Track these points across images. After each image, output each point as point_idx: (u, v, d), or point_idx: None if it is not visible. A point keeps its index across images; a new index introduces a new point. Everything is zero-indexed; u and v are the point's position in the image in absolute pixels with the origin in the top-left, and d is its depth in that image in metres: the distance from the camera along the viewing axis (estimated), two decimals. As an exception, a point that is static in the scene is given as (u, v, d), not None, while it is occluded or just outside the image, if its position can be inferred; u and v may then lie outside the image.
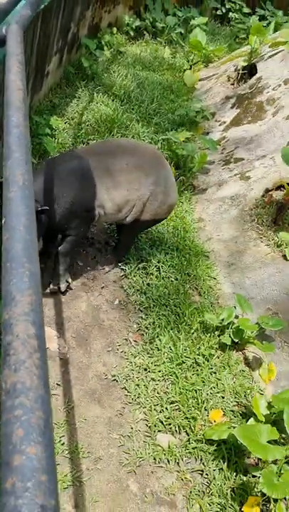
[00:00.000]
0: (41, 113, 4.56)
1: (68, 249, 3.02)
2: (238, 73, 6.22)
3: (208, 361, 2.97)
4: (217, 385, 2.87)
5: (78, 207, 2.85)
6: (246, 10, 10.94)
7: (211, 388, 2.84)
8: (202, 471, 2.46)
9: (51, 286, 3.06)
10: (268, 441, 2.26)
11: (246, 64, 6.16)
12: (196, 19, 8.48)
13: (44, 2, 3.59)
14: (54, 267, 3.05)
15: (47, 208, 2.57)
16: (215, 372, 2.94)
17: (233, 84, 6.35)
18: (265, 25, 7.70)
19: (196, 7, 9.87)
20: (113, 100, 5.44)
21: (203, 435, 2.55)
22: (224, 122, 5.53)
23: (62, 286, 3.09)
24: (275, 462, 2.38)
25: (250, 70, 6.24)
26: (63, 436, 2.38)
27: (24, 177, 0.86)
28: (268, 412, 2.51)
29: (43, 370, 0.55)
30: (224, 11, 10.80)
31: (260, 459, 2.42)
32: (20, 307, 0.61)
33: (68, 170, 2.84)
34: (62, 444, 2.35)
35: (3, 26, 1.65)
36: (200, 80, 6.94)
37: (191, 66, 7.04)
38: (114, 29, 7.13)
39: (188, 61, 7.20)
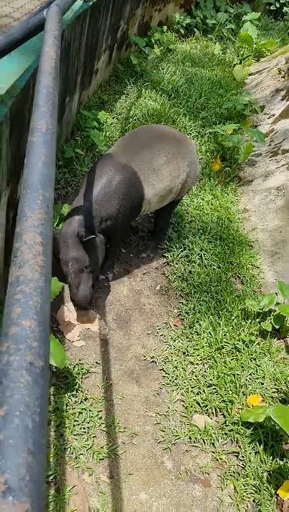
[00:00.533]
0: (90, 108, 4.70)
1: (117, 245, 3.13)
2: (289, 65, 6.09)
3: (248, 347, 2.95)
4: (256, 371, 2.85)
5: (130, 211, 2.94)
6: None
7: (250, 374, 2.82)
8: (238, 453, 2.46)
9: (100, 276, 3.15)
10: (305, 424, 2.22)
11: (298, 56, 6.03)
12: (247, 15, 8.41)
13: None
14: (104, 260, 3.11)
15: (94, 236, 2.65)
16: (255, 359, 2.91)
17: (283, 77, 6.23)
18: None
19: (248, 3, 9.78)
20: (161, 95, 5.51)
21: (239, 418, 2.54)
22: (273, 115, 5.45)
23: (110, 277, 3.20)
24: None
25: (302, 63, 6.11)
26: (101, 411, 2.46)
27: (48, 125, 0.93)
28: (308, 398, 2.46)
29: (45, 269, 0.60)
30: (278, 6, 10.61)
31: (298, 444, 2.38)
32: (30, 221, 0.67)
33: (117, 182, 2.83)
34: (100, 418, 2.42)
35: (44, 10, 1.75)
36: (250, 75, 6.87)
37: (241, 61, 6.98)
38: (165, 27, 7.21)
39: (238, 56, 7.14)
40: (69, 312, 2.91)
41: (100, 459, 2.27)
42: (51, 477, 2.12)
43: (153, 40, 6.75)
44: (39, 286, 0.58)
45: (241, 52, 7.15)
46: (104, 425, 2.40)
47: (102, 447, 2.31)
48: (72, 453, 2.24)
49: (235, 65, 6.91)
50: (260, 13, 8.66)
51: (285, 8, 10.58)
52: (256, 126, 5.38)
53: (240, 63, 6.88)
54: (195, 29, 7.95)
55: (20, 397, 0.44)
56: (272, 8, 10.51)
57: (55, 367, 2.38)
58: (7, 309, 0.55)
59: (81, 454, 2.25)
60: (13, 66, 2.19)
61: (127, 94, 5.49)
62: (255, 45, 7.04)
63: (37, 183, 0.76)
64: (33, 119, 0.96)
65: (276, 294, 3.14)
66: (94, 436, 2.34)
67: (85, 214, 2.73)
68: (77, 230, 2.66)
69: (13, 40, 1.74)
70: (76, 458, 2.23)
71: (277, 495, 2.27)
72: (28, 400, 0.45)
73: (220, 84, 6.28)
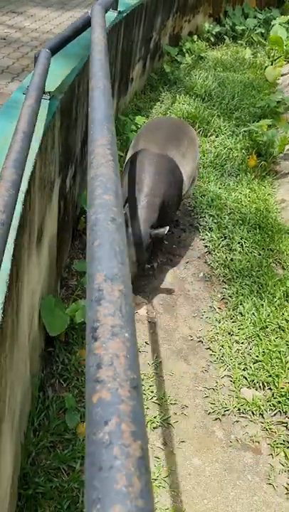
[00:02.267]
0: (127, 114, 4.93)
1: (164, 234, 3.23)
2: None
3: (292, 326, 3.02)
4: (302, 348, 2.91)
5: (178, 198, 3.14)
6: None
7: (296, 351, 2.89)
8: (287, 423, 2.52)
9: (146, 265, 3.31)
10: None
11: None
12: (276, 19, 8.53)
13: (126, 6, 3.97)
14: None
15: (157, 232, 2.84)
16: (300, 337, 2.98)
17: (315, 74, 6.29)
18: None
19: (277, 8, 9.90)
20: (194, 99, 5.70)
21: (287, 391, 2.61)
22: (307, 110, 5.52)
23: (155, 265, 3.36)
24: None
25: None
26: (152, 385, 2.59)
27: (104, 84, 1.10)
28: None
29: (115, 168, 0.77)
30: (307, 8, 10.65)
31: None
32: (100, 141, 0.84)
33: (164, 172, 3.00)
34: (152, 392, 2.55)
35: (89, 11, 1.97)
36: (282, 75, 6.97)
37: (272, 62, 7.09)
38: (195, 37, 7.44)
39: (269, 58, 7.26)
40: (117, 298, 3.08)
41: (154, 428, 2.40)
42: (109, 442, 2.27)
43: (184, 49, 6.98)
44: (112, 178, 0.74)
45: (272, 54, 7.27)
46: (156, 398, 2.53)
47: (155, 417, 2.43)
48: (128, 422, 2.38)
49: (266, 67, 7.03)
50: (289, 16, 8.74)
51: (314, 11, 10.61)
52: (290, 122, 5.46)
53: (272, 64, 6.99)
54: (225, 36, 8.14)
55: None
56: (301, 11, 10.58)
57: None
58: (90, 188, 0.71)
59: (136, 423, 2.39)
60: (61, 68, 2.43)
61: (162, 100, 5.71)
62: (285, 47, 7.14)
63: (102, 118, 0.93)
64: (92, 81, 1.14)
65: (317, 273, 3.21)
66: (147, 408, 2.47)
67: (147, 210, 2.87)
68: (148, 231, 2.82)
69: (64, 38, 1.96)
70: (131, 426, 2.37)
71: None
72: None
73: (252, 86, 6.41)
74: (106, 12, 2.02)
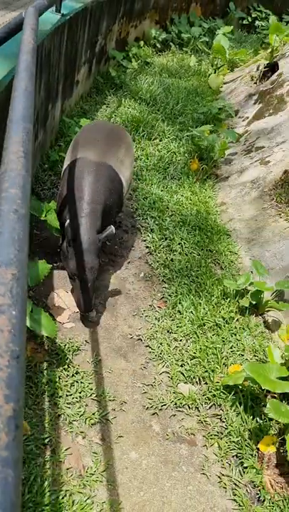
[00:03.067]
0: (72, 117, 4.95)
1: (113, 234, 3.20)
2: (261, 71, 6.44)
3: (228, 323, 3.15)
4: (237, 344, 3.04)
5: (119, 203, 3.24)
6: (273, 18, 11.15)
7: (231, 347, 3.02)
8: (220, 415, 2.63)
9: None
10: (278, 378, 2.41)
11: (268, 62, 6.38)
12: (221, 28, 8.80)
13: (69, 9, 4.00)
14: None
15: (106, 235, 2.93)
16: (235, 334, 3.11)
17: (255, 83, 6.57)
18: (285, 24, 7.90)
19: (221, 18, 10.23)
20: (140, 104, 5.80)
21: (221, 385, 2.72)
22: (247, 118, 5.75)
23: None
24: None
25: (273, 69, 6.45)
26: (91, 383, 2.63)
27: (26, 86, 1.14)
28: (282, 361, 2.65)
29: (25, 164, 0.81)
30: (250, 20, 11.09)
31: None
32: (15, 138, 0.88)
33: (104, 179, 3.08)
34: (91, 389, 2.59)
35: (23, 12, 1.99)
36: (225, 83, 7.21)
37: (215, 70, 7.32)
38: (142, 42, 7.55)
39: (212, 66, 7.49)
40: (59, 298, 3.10)
41: (92, 424, 2.43)
42: (47, 440, 2.29)
43: (131, 54, 7.08)
44: (20, 174, 0.78)
45: (215, 63, 7.51)
46: (95, 395, 2.57)
47: (93, 414, 2.47)
48: (66, 419, 2.41)
49: (210, 74, 7.25)
50: (232, 26, 9.05)
51: (257, 22, 11.06)
52: (232, 128, 5.67)
53: (215, 72, 7.22)
54: (171, 43, 8.32)
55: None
56: (244, 22, 10.99)
57: (47, 337, 2.56)
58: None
59: (74, 420, 2.42)
60: (-2, 67, 2.43)
61: (108, 104, 5.77)
62: (228, 56, 7.39)
63: (20, 117, 0.97)
64: (15, 81, 1.18)
65: (251, 272, 3.36)
66: (86, 405, 2.51)
67: (91, 218, 2.90)
68: (96, 237, 2.86)
69: (-3, 38, 1.97)
70: (70, 423, 2.40)
71: (258, 449, 2.45)
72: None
73: (196, 93, 6.59)
74: (41, 14, 2.05)
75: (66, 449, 2.28)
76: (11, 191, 0.73)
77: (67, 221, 2.90)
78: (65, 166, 3.31)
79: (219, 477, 2.38)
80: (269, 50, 7.13)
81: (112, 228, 2.95)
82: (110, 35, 6.29)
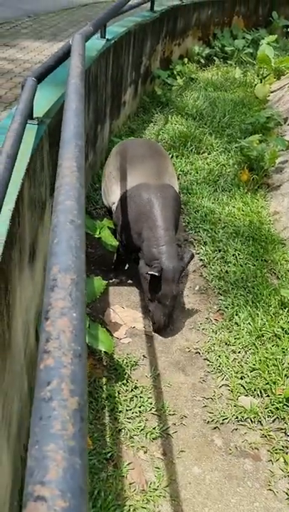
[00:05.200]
0: (120, 136, 5.07)
1: (193, 258, 3.18)
2: (308, 77, 6.32)
3: (287, 334, 3.06)
4: (298, 355, 2.94)
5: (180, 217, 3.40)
6: None
7: (292, 358, 2.92)
8: (285, 429, 2.55)
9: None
10: None
11: (315, 67, 6.26)
12: (264, 38, 8.75)
13: (114, 34, 4.14)
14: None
15: (188, 261, 2.99)
16: (295, 344, 3.01)
17: (304, 89, 6.45)
18: None
19: (264, 28, 10.17)
20: (186, 119, 5.85)
21: (284, 397, 2.63)
22: (297, 124, 5.64)
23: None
24: None
25: None
26: (150, 397, 2.63)
27: (77, 105, 1.20)
28: None
29: (79, 177, 0.85)
30: (294, 27, 10.92)
31: None
32: (67, 155, 0.92)
33: (173, 204, 3.14)
34: (150, 404, 2.59)
35: (70, 39, 2.09)
36: (272, 92, 7.13)
37: (261, 80, 7.27)
38: (186, 59, 7.65)
39: (258, 76, 7.44)
40: (115, 314, 3.15)
41: (153, 439, 2.43)
42: (108, 454, 2.30)
43: (175, 72, 7.18)
44: (75, 187, 0.82)
45: (261, 73, 7.45)
46: (154, 409, 2.57)
47: (154, 428, 2.47)
48: (127, 434, 2.42)
49: (256, 84, 7.20)
50: (276, 35, 8.98)
51: (302, 29, 10.89)
52: (282, 136, 5.58)
53: (261, 82, 7.16)
54: (215, 58, 8.36)
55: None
56: None
57: (105, 352, 2.59)
58: (55, 196, 0.79)
59: (135, 435, 2.42)
60: (49, 94, 2.55)
61: (155, 122, 5.87)
62: (273, 64, 7.32)
63: (71, 136, 1.02)
64: (66, 102, 1.24)
65: (310, 280, 3.26)
66: (146, 420, 2.51)
67: (171, 245, 2.95)
68: (179, 264, 2.92)
69: (48, 67, 2.08)
70: (131, 438, 2.40)
71: None
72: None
73: (243, 104, 6.57)
74: (87, 40, 2.15)
75: (128, 464, 2.29)
76: (66, 203, 0.77)
77: (145, 247, 2.99)
78: (117, 192, 3.26)
79: (287, 493, 2.29)
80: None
81: (191, 253, 3.02)
82: (154, 55, 6.43)
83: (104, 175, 3.57)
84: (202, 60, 8.10)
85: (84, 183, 0.89)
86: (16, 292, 1.70)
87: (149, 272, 2.84)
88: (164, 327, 3.05)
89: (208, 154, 5.22)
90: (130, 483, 2.22)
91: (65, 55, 2.08)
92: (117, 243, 3.24)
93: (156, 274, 2.82)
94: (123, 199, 3.18)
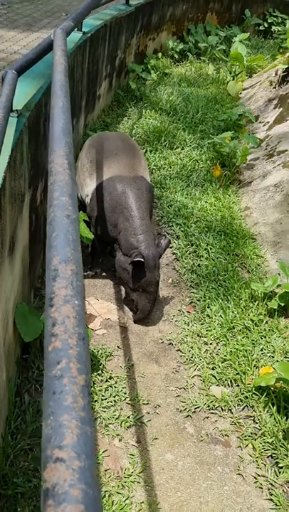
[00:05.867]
0: (95, 130, 5.09)
1: (169, 244, 3.29)
2: (279, 76, 6.47)
3: (257, 326, 3.18)
4: (267, 346, 3.06)
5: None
6: (289, 22, 11.12)
7: (261, 349, 3.04)
8: (254, 417, 2.66)
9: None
10: (310, 378, 2.43)
11: (286, 66, 6.41)
12: (237, 36, 8.88)
13: (90, 27, 4.14)
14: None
15: (164, 247, 3.07)
16: (264, 336, 3.13)
17: (275, 87, 6.60)
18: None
19: (237, 25, 10.30)
20: (160, 114, 5.91)
21: (253, 386, 2.75)
22: (268, 122, 5.79)
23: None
24: None
25: (291, 73, 6.48)
26: (125, 387, 2.70)
27: (63, 103, 1.24)
28: (314, 362, 2.67)
29: (70, 171, 0.90)
30: (266, 25, 11.13)
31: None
32: (58, 152, 0.96)
33: (147, 194, 3.25)
34: (125, 393, 2.66)
35: (51, 34, 2.11)
36: (244, 90, 7.27)
37: (233, 77, 7.39)
38: (160, 54, 7.69)
39: (230, 73, 7.56)
40: (90, 306, 3.19)
41: (128, 427, 2.50)
42: (85, 442, 2.35)
43: (149, 67, 7.22)
44: (68, 183, 0.87)
45: (234, 70, 7.57)
46: (129, 399, 2.64)
47: (128, 417, 2.54)
48: (102, 422, 2.48)
49: (228, 82, 7.32)
50: (249, 33, 9.12)
51: (273, 27, 11.10)
52: (253, 133, 5.72)
53: (233, 79, 7.29)
54: (188, 53, 8.44)
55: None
56: (261, 28, 11.05)
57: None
58: (49, 192, 0.84)
59: (110, 424, 2.49)
60: (28, 87, 2.55)
61: (129, 116, 5.90)
62: (246, 62, 7.45)
63: (60, 132, 1.06)
64: (52, 99, 1.27)
65: (279, 274, 3.39)
66: (121, 409, 2.58)
67: (148, 234, 3.03)
68: (157, 251, 2.99)
69: (29, 60, 2.09)
70: (106, 426, 2.47)
71: (293, 449, 2.46)
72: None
73: (215, 100, 6.67)
74: (68, 35, 2.17)
75: (104, 451, 2.35)
76: (62, 199, 0.82)
77: (122, 238, 3.05)
78: (91, 184, 3.32)
79: (255, 477, 2.40)
80: (287, 54, 7.17)
81: (168, 239, 3.09)
82: (129, 48, 6.44)
83: (76, 167, 3.59)
84: (176, 56, 8.17)
85: (75, 179, 0.93)
86: (-4, 283, 1.72)
87: (135, 259, 2.91)
88: (149, 314, 3.12)
89: (182, 149, 5.30)
90: (106, 470, 2.28)
91: (46, 49, 2.09)
92: (93, 236, 3.28)
93: (142, 260, 2.89)
94: (97, 191, 3.23)
